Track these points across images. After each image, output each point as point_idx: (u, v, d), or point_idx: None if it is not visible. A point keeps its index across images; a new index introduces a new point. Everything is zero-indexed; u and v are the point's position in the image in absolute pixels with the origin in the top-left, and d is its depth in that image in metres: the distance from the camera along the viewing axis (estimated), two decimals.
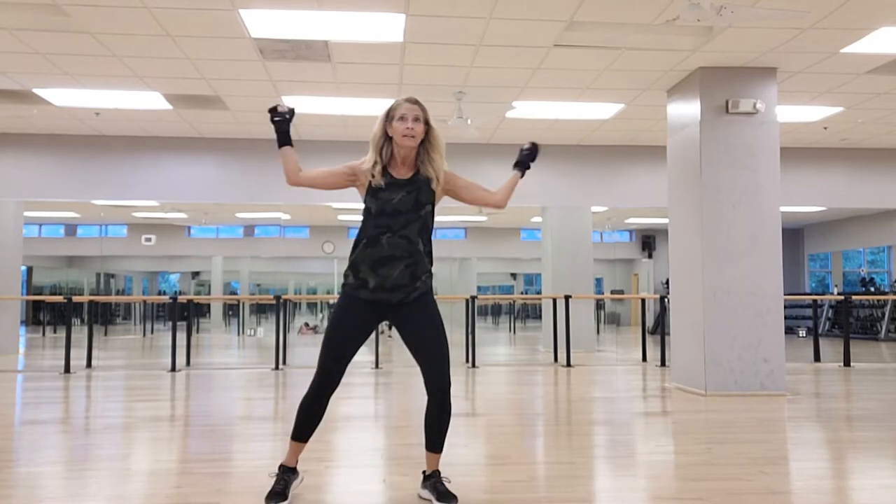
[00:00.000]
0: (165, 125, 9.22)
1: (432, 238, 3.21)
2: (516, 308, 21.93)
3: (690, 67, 7.06)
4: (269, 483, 3.19)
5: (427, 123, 3.16)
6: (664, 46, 6.51)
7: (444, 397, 3.10)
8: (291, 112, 3.24)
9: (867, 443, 4.71)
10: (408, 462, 4.03)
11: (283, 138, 3.20)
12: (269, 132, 10.20)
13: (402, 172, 3.16)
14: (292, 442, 3.17)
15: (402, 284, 3.07)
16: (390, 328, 13.58)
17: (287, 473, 3.17)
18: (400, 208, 3.08)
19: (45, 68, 7.05)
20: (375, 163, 3.14)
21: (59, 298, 11.25)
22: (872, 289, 16.81)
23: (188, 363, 9.57)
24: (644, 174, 10.25)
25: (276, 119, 3.20)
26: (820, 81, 7.46)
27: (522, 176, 3.43)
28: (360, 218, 3.15)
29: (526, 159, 3.45)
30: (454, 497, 3.08)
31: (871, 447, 4.58)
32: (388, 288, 3.06)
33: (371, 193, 3.12)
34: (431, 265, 3.19)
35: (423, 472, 3.26)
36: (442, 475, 3.20)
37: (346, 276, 3.14)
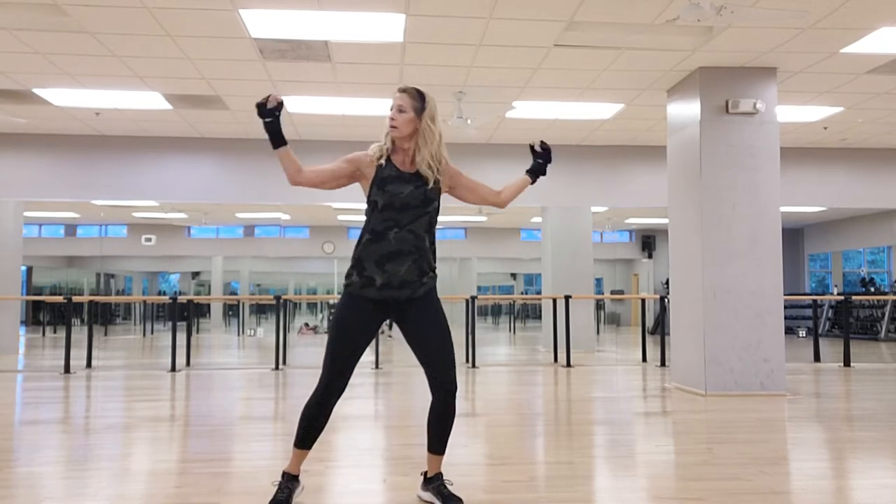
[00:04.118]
0: (165, 125, 9.22)
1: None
2: (516, 308, 21.93)
3: (690, 67, 7.06)
4: (268, 485, 3.17)
5: (418, 113, 3.00)
6: (664, 46, 6.51)
7: (450, 400, 3.03)
8: (280, 105, 2.91)
9: (867, 443, 4.71)
10: (408, 462, 4.03)
11: (277, 138, 2.91)
12: None
13: (407, 166, 3.05)
14: (295, 449, 3.06)
15: (409, 281, 2.98)
16: (390, 327, 13.57)
17: (291, 481, 3.07)
18: (409, 202, 2.98)
19: (45, 68, 7.04)
20: (383, 146, 3.04)
21: (59, 298, 11.25)
22: (872, 289, 16.81)
23: (188, 363, 9.56)
24: (644, 174, 10.25)
25: (268, 119, 2.89)
26: (820, 81, 7.46)
27: (534, 182, 3.28)
28: (361, 218, 3.07)
29: (541, 167, 3.27)
30: (459, 500, 3.03)
31: (871, 447, 4.58)
32: (395, 285, 2.96)
33: (378, 186, 3.00)
34: (435, 262, 3.11)
35: (424, 473, 3.20)
36: (444, 477, 3.15)
37: (349, 275, 3.02)
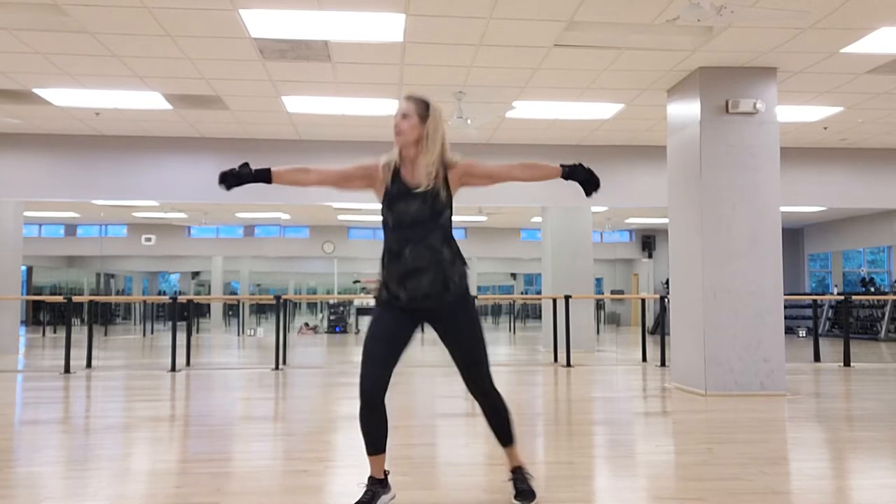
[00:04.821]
0: (165, 125, 9.22)
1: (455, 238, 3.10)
2: (516, 308, 21.93)
3: (690, 67, 7.06)
4: (268, 485, 3.17)
5: (423, 120, 3.00)
6: (664, 46, 6.51)
7: (488, 399, 3.14)
8: (241, 169, 3.19)
9: (867, 443, 4.71)
10: (407, 462, 4.03)
11: (261, 179, 3.13)
12: (269, 132, 10.20)
13: (414, 178, 3.01)
14: (369, 457, 3.01)
15: (433, 293, 2.97)
16: None
17: (375, 485, 2.99)
18: (417, 219, 2.96)
19: (45, 68, 7.04)
20: (392, 158, 3.05)
21: (59, 298, 11.25)
22: (872, 289, 16.82)
23: (188, 363, 9.56)
24: (644, 174, 10.24)
25: (230, 184, 3.15)
26: (820, 81, 7.46)
27: (565, 178, 3.26)
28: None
29: (588, 180, 3.29)
30: (533, 496, 3.09)
31: (871, 447, 4.58)
32: (419, 298, 2.97)
33: (387, 205, 3.00)
34: (465, 264, 3.09)
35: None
36: (525, 471, 3.18)
37: (378, 291, 3.04)
